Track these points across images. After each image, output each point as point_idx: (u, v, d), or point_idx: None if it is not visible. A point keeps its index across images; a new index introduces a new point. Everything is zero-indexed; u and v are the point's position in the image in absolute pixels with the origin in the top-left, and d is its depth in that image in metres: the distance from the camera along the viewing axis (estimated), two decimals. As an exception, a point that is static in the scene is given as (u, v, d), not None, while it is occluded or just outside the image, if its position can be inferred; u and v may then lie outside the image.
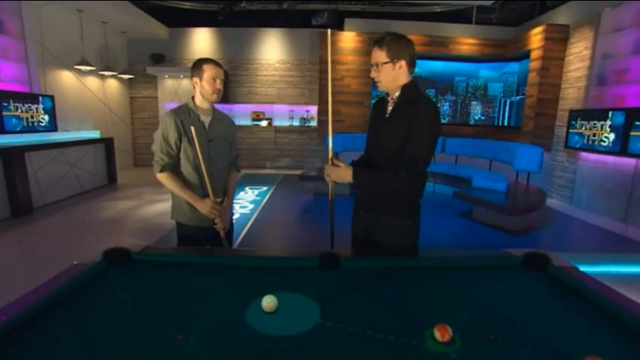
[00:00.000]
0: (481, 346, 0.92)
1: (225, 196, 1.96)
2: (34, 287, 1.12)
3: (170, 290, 1.21)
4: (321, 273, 1.33)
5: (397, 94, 1.59)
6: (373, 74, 1.58)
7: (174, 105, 7.96)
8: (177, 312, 1.08)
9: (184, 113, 1.82)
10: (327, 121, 7.11)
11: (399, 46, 1.52)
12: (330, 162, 1.68)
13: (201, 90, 1.80)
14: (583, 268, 1.34)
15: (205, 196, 1.83)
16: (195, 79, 1.80)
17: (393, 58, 1.52)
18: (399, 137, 1.54)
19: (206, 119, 1.86)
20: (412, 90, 1.58)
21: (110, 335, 0.96)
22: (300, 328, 1.00)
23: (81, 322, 1.00)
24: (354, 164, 1.85)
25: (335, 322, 1.01)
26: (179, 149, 1.81)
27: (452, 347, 0.91)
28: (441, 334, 0.92)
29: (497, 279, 1.32)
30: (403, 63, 1.53)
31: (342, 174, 1.59)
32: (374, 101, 1.86)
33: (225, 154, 1.96)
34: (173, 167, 1.83)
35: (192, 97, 1.86)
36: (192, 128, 1.67)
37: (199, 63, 1.79)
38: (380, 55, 1.53)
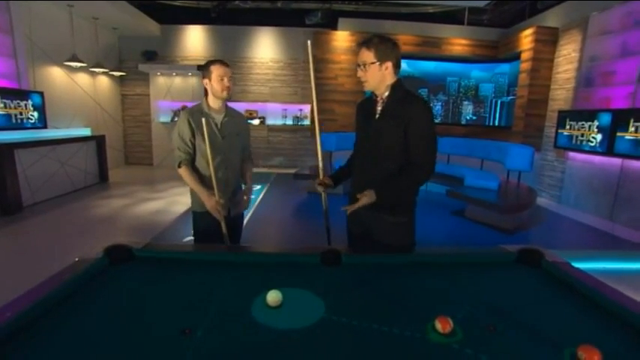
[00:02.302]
0: (481, 336, 0.96)
1: (245, 180, 2.14)
2: (39, 283, 1.11)
3: (174, 286, 1.22)
4: (323, 269, 1.36)
5: (387, 93, 1.63)
6: (360, 74, 1.63)
7: (166, 102, 7.95)
8: (183, 307, 1.09)
9: (197, 112, 1.93)
10: (320, 120, 7.16)
11: (386, 48, 1.58)
12: (321, 176, 1.82)
13: (212, 89, 1.92)
14: (576, 265, 1.39)
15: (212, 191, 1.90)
16: (206, 80, 1.92)
17: (380, 60, 1.57)
18: (395, 135, 1.59)
19: (218, 117, 1.96)
20: (401, 89, 1.63)
21: (118, 330, 0.97)
22: (305, 322, 1.02)
23: (88, 318, 1.01)
24: (340, 170, 1.92)
25: (340, 316, 1.04)
26: (194, 145, 1.93)
27: (453, 338, 0.94)
28: (442, 325, 0.96)
29: (493, 274, 1.36)
30: (389, 64, 1.59)
31: (367, 199, 1.60)
32: (359, 102, 1.89)
33: (239, 150, 2.07)
34: (191, 162, 1.96)
35: (205, 98, 1.98)
36: (203, 120, 1.78)
37: (208, 64, 1.93)
38: (367, 56, 1.58)
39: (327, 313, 1.06)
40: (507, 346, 0.93)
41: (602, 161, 4.58)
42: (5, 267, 3.02)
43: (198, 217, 2.02)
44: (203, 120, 1.77)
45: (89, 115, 6.97)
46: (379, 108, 1.65)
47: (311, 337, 0.96)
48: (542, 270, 1.38)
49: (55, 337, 0.92)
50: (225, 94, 1.91)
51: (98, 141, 6.23)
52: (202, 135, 1.85)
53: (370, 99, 1.72)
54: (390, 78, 1.62)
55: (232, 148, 2.00)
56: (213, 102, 1.96)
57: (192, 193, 2.01)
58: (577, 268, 1.34)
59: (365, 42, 1.59)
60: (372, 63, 1.57)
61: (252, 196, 5.52)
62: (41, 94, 5.27)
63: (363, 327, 1.00)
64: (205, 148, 1.83)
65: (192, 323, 0.99)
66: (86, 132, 6.38)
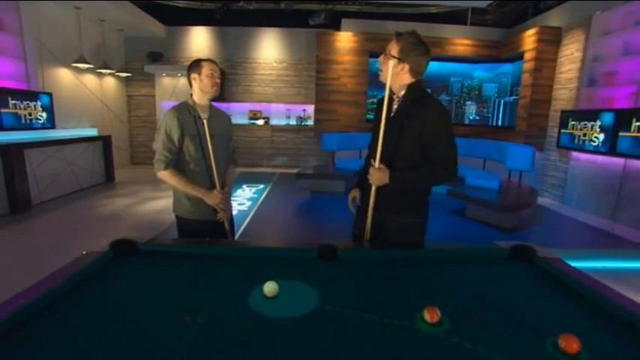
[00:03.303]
0: (467, 326, 1.00)
1: (225, 182, 2.02)
2: (47, 275, 1.17)
3: (176, 278, 1.28)
4: (319, 263, 1.41)
5: (402, 92, 1.62)
6: (380, 59, 1.62)
7: (171, 103, 8.02)
8: (184, 297, 1.14)
9: (184, 110, 1.88)
10: (323, 120, 7.21)
11: (411, 50, 1.55)
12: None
13: (200, 85, 1.85)
14: (571, 263, 1.40)
15: (211, 188, 1.89)
16: (194, 75, 1.85)
17: (400, 57, 1.55)
18: (409, 135, 1.57)
19: (205, 116, 1.90)
20: (418, 89, 1.61)
21: (121, 320, 1.02)
22: (300, 311, 1.07)
23: (94, 308, 1.07)
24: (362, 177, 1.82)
25: (333, 306, 1.09)
26: (181, 146, 1.86)
27: (440, 327, 0.99)
28: (430, 315, 1.00)
29: (485, 268, 1.40)
30: (406, 66, 1.56)
31: (381, 176, 1.58)
32: (377, 100, 1.87)
33: (225, 150, 2.02)
34: (175, 164, 1.88)
35: (191, 95, 1.92)
36: (205, 122, 1.76)
37: (197, 61, 1.88)
38: (393, 48, 1.57)
39: (321, 303, 1.11)
40: (491, 336, 0.97)
41: (604, 161, 4.57)
42: (15, 264, 3.11)
43: (185, 223, 1.94)
44: (205, 122, 1.76)
45: (96, 115, 7.09)
46: (395, 106, 1.64)
47: (305, 325, 1.01)
48: (534, 265, 1.42)
49: (62, 326, 0.97)
50: (214, 90, 1.87)
51: (104, 141, 6.33)
52: (191, 135, 1.81)
53: (389, 97, 1.67)
54: (406, 78, 1.59)
55: (219, 147, 1.94)
56: (200, 99, 1.89)
57: (177, 198, 1.94)
58: (567, 264, 1.37)
59: (399, 33, 1.57)
60: (392, 56, 1.56)
61: (255, 196, 5.64)
62: (50, 94, 5.38)
63: (354, 316, 1.04)
64: (195, 149, 1.82)
65: (192, 312, 1.04)
66: (93, 132, 6.49)
